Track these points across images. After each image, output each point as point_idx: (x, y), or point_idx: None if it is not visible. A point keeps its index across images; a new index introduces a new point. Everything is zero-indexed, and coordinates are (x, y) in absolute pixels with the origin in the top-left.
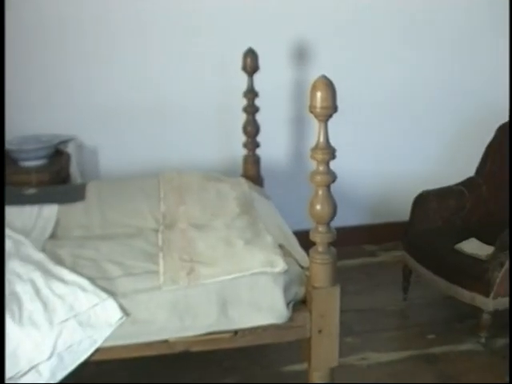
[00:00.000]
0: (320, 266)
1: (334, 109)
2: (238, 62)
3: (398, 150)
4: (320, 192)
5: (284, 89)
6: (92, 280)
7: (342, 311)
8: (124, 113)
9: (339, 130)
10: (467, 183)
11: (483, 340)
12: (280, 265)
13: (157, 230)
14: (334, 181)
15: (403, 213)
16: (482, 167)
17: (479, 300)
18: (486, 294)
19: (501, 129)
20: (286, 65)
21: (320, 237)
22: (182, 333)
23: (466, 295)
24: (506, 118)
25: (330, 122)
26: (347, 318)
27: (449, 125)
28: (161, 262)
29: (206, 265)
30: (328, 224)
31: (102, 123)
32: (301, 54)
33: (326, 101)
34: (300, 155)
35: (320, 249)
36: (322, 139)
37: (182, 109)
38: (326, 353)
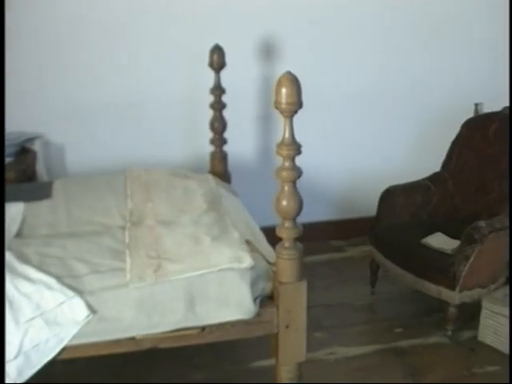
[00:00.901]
0: (286, 262)
1: (299, 105)
2: (205, 58)
3: (366, 145)
4: (286, 188)
5: (251, 85)
6: (59, 278)
7: (311, 306)
8: (91, 110)
9: (307, 126)
10: (433, 178)
11: (450, 333)
12: (247, 261)
13: (124, 228)
14: (299, 176)
15: (370, 208)
16: (448, 162)
17: (445, 293)
18: (452, 288)
19: (465, 124)
20: (252, 61)
21: (286, 232)
22: (150, 330)
23: (432, 289)
24: (471, 114)
25: (298, 118)
26: (315, 313)
27: (415, 120)
28: (128, 259)
29: (173, 261)
30: (294, 219)
31: (69, 120)
32: (268, 51)
33: (291, 97)
34: (267, 151)
35: (286, 244)
36: (287, 135)
37: (149, 106)
38: (293, 348)
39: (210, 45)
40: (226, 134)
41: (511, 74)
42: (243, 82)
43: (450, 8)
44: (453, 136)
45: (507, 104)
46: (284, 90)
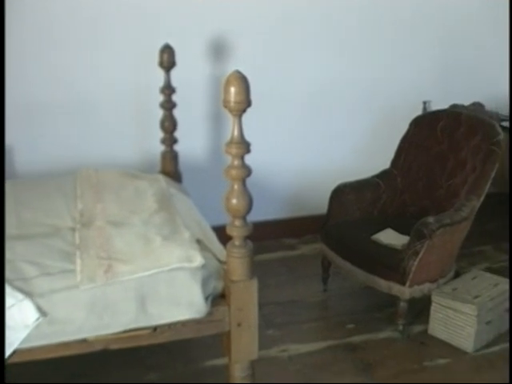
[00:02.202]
0: (237, 260)
1: (248, 103)
2: (155, 57)
3: (316, 143)
4: (235, 186)
5: (201, 84)
6: (8, 281)
7: (263, 304)
8: (40, 111)
9: (258, 125)
10: (383, 175)
11: (401, 327)
12: (197, 260)
13: (74, 229)
14: (249, 175)
15: (322, 206)
16: (397, 160)
17: (396, 289)
18: (402, 283)
19: (414, 122)
20: (203, 60)
21: (236, 230)
22: (101, 331)
23: (383, 284)
24: (419, 112)
25: (249, 117)
26: (268, 310)
27: (365, 119)
28: (78, 260)
29: (123, 262)
30: (244, 218)
31: (17, 122)
32: (218, 50)
33: (240, 95)
34: (218, 150)
35: (237, 242)
36: (236, 133)
37: (99, 105)
38: (245, 346)
39: (160, 44)
40: (177, 134)
41: (511, 76)
42: (194, 81)
43: (398, 9)
44: (402, 133)
45: (454, 102)
46: (232, 89)
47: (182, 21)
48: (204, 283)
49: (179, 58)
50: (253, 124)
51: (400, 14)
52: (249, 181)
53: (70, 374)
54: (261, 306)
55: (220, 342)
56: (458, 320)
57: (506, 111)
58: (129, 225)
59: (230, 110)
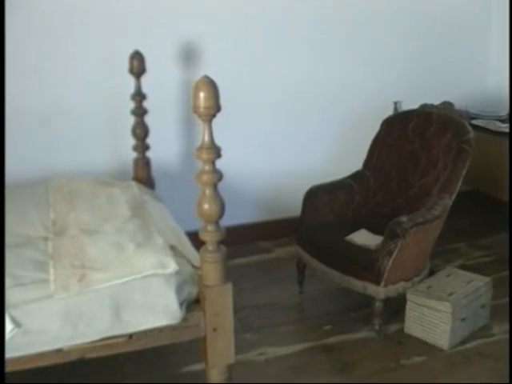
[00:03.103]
0: (211, 265)
1: (218, 108)
2: (125, 64)
3: (289, 146)
4: (207, 191)
5: (172, 90)
6: None
7: (240, 308)
8: (10, 119)
9: (231, 129)
10: (355, 176)
11: (377, 327)
12: (171, 266)
13: (47, 238)
14: (220, 179)
15: (295, 208)
16: (369, 160)
17: (371, 289)
18: (377, 283)
19: (385, 122)
20: (173, 66)
21: (209, 235)
22: (76, 340)
23: (358, 285)
24: (390, 112)
25: (221, 121)
26: (245, 314)
27: (337, 121)
28: (51, 270)
29: (97, 270)
30: (217, 222)
31: None
32: (188, 54)
33: (209, 100)
34: (191, 156)
35: (210, 247)
36: (206, 139)
37: (70, 113)
38: (222, 350)
39: (130, 51)
40: (149, 140)
41: (511, 77)
42: (164, 87)
43: (368, 11)
44: (374, 134)
45: (424, 101)
46: (201, 94)
47: (151, 27)
48: (178, 289)
49: (149, 64)
50: (226, 128)
51: (370, 16)
52: (222, 185)
53: None
54: (237, 309)
55: (197, 347)
56: (434, 318)
57: (475, 109)
58: (102, 233)
59: (200, 116)
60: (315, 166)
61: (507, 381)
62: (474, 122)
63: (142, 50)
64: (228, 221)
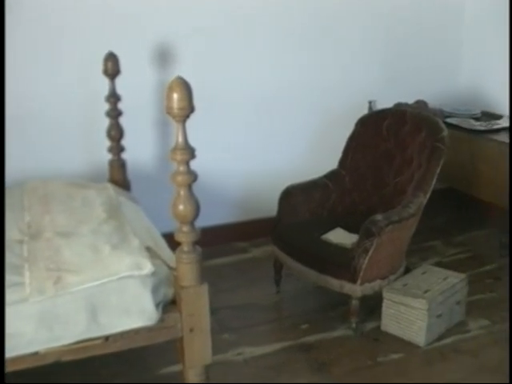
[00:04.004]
0: (186, 266)
1: (191, 109)
2: (99, 66)
3: (264, 146)
4: (182, 192)
5: (147, 91)
6: None
7: (217, 308)
8: None
9: (207, 129)
10: (331, 175)
11: (354, 325)
12: (147, 267)
13: (22, 241)
14: (195, 180)
15: (272, 208)
16: (344, 159)
17: (347, 287)
18: (354, 281)
19: (360, 121)
20: (147, 67)
21: (184, 236)
22: (52, 343)
23: (335, 284)
24: (364, 111)
25: (196, 121)
26: (222, 314)
27: (313, 120)
28: (27, 273)
29: (73, 273)
30: (192, 223)
31: None
32: (163, 55)
33: (183, 101)
34: (166, 157)
35: (185, 248)
36: (180, 140)
37: (44, 115)
38: (199, 351)
39: (104, 52)
40: (124, 142)
41: (511, 78)
42: (139, 88)
43: (343, 11)
44: (349, 134)
45: (399, 100)
46: (175, 95)
47: (126, 28)
48: (154, 290)
49: (124, 65)
50: (201, 129)
51: (345, 17)
52: (198, 186)
53: None
54: (215, 310)
55: (175, 348)
56: (410, 315)
57: (449, 108)
58: (77, 235)
59: (173, 117)
60: (291, 166)
61: (483, 376)
62: (448, 120)
63: (117, 52)
64: (204, 221)
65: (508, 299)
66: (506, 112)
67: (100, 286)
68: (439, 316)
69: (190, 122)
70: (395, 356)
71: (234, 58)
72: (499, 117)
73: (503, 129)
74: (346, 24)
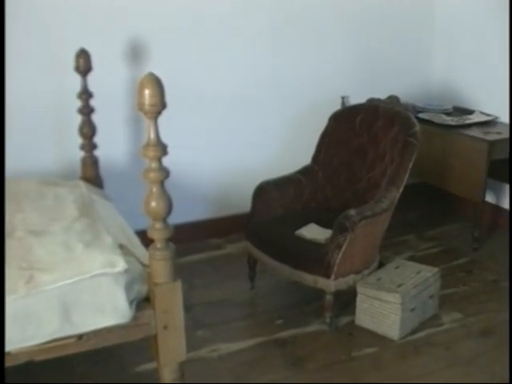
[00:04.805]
0: (159, 263)
1: (163, 105)
2: (71, 62)
3: (239, 142)
4: (154, 189)
5: (119, 88)
6: None
7: (192, 305)
8: None
9: (180, 125)
10: (304, 171)
11: (328, 320)
12: (120, 264)
13: None
14: (167, 177)
15: (246, 204)
16: (318, 155)
17: (321, 282)
18: (327, 276)
19: (332, 117)
20: (120, 63)
21: (157, 233)
22: (25, 343)
23: (308, 279)
24: (337, 107)
25: (170, 118)
26: (197, 311)
27: (286, 116)
28: None
29: (45, 271)
30: (164, 220)
31: None
32: (135, 51)
33: (154, 98)
34: (139, 154)
35: (158, 245)
36: (152, 136)
37: (14, 113)
38: (173, 348)
39: (75, 49)
40: (97, 139)
41: (511, 77)
42: (111, 85)
43: (316, 6)
44: (322, 129)
45: (371, 96)
46: (146, 92)
47: (98, 24)
48: (128, 288)
49: (95, 62)
50: (175, 125)
51: (317, 13)
52: (171, 182)
53: None
54: (189, 307)
55: (150, 346)
56: (383, 309)
57: (421, 103)
58: (49, 233)
59: (145, 113)
60: (264, 162)
61: (456, 368)
62: (421, 115)
63: (89, 48)
64: (179, 218)
65: (508, 298)
66: (478, 107)
67: (73, 284)
68: (413, 310)
69: (162, 119)
70: (369, 350)
71: (206, 55)
72: (471, 112)
73: (475, 124)
74: (319, 20)
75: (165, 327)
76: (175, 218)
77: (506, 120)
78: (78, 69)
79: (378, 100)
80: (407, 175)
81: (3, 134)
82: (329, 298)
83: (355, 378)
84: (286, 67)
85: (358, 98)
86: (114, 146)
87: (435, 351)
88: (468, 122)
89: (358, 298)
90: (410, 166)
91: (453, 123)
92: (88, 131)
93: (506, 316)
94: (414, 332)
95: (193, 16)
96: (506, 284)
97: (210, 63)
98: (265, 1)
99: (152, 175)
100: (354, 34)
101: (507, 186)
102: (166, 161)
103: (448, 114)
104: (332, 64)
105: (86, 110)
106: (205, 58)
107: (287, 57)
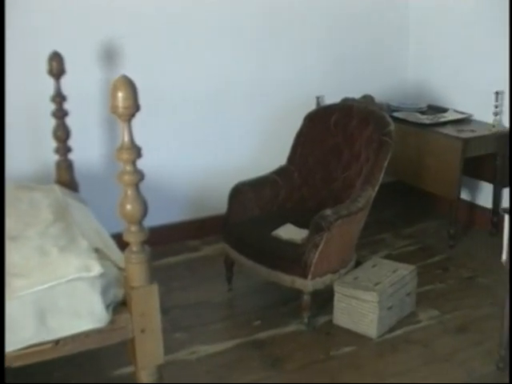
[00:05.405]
0: (135, 266)
1: (137, 108)
2: (44, 65)
3: (214, 144)
4: (129, 192)
5: (93, 90)
6: None
7: (169, 308)
8: None
9: (155, 128)
10: (280, 171)
11: (306, 320)
12: (96, 269)
13: None
14: (142, 179)
15: (223, 206)
16: (293, 155)
17: (298, 282)
18: (305, 276)
19: (307, 117)
20: (93, 66)
21: (133, 236)
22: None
23: (286, 279)
24: (312, 107)
25: (145, 121)
26: (175, 314)
27: (261, 117)
28: None
29: (20, 277)
30: (140, 223)
31: None
32: (109, 55)
33: (128, 100)
34: (114, 157)
35: (134, 248)
36: (126, 139)
37: None
38: (150, 351)
39: (48, 51)
40: (71, 142)
41: (511, 78)
42: (85, 87)
43: (288, 8)
44: (297, 129)
45: (346, 95)
46: (120, 94)
47: (71, 26)
48: (104, 292)
49: (69, 64)
50: (150, 127)
51: (291, 12)
52: (147, 185)
53: None
54: (167, 310)
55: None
56: (361, 308)
57: (396, 102)
58: (24, 238)
59: (119, 116)
60: (240, 163)
61: (433, 365)
62: (395, 114)
63: (62, 51)
64: (155, 221)
65: None
66: (451, 105)
67: (48, 289)
68: (390, 308)
69: (136, 121)
70: (348, 349)
71: (181, 56)
72: (445, 110)
73: (449, 122)
74: (294, 21)
75: (142, 330)
76: (151, 221)
77: (480, 118)
78: (51, 72)
79: (353, 100)
80: (382, 174)
81: (3, 134)
82: (306, 297)
83: (334, 377)
84: (260, 68)
85: (332, 98)
86: (88, 149)
87: (413, 349)
88: (442, 120)
89: (336, 298)
90: (385, 164)
91: (427, 122)
92: (62, 134)
93: (483, 312)
94: (391, 330)
95: (167, 17)
96: (482, 280)
97: (184, 65)
98: (240, 2)
99: (126, 178)
100: (328, 34)
101: (482, 184)
102: (140, 163)
103: (422, 112)
104: (307, 64)
105: (60, 114)
106: (179, 59)
107: (262, 57)
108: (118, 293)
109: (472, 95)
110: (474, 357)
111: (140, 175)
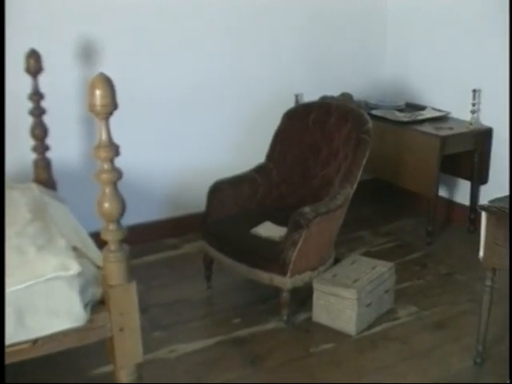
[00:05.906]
0: (114, 264)
1: (115, 106)
2: (21, 63)
3: (193, 142)
4: (107, 190)
5: (71, 88)
6: None
7: (148, 306)
8: None
9: (133, 126)
10: (259, 169)
11: (285, 317)
12: (74, 267)
13: None
14: (119, 178)
15: (202, 204)
16: (272, 153)
17: (277, 280)
18: (283, 274)
19: (286, 115)
20: (71, 64)
21: (111, 235)
22: None
23: (265, 277)
24: (291, 104)
25: (123, 119)
26: (154, 312)
27: (240, 115)
28: None
29: None
30: (118, 221)
31: None
32: (86, 53)
33: (105, 98)
34: (92, 155)
35: (112, 247)
36: (104, 137)
37: None
38: (129, 350)
39: (25, 49)
40: (49, 140)
41: (511, 77)
42: (63, 85)
43: (265, 7)
44: (276, 127)
45: (324, 93)
46: (97, 92)
47: (49, 24)
48: (82, 290)
49: (46, 62)
50: (128, 125)
51: (269, 11)
52: (125, 183)
53: None
54: (146, 308)
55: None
56: (340, 305)
57: (374, 100)
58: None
59: (96, 114)
60: (219, 161)
61: (412, 361)
62: (373, 112)
63: (39, 48)
64: (133, 219)
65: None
66: (429, 103)
67: (26, 288)
68: (369, 305)
69: (114, 119)
70: (327, 346)
71: (158, 55)
72: (423, 108)
73: (427, 119)
74: (272, 19)
75: (121, 329)
76: (129, 219)
77: (457, 115)
78: (28, 70)
79: (331, 97)
80: (361, 172)
81: (3, 134)
82: (285, 295)
83: (314, 374)
84: (239, 66)
85: (311, 96)
86: (66, 147)
87: (391, 345)
88: (420, 117)
89: (315, 295)
90: (364, 162)
91: (405, 119)
92: (40, 133)
93: (460, 308)
94: (370, 327)
95: (144, 16)
96: (460, 277)
97: (162, 63)
98: (216, 0)
99: (104, 176)
100: (307, 32)
101: (460, 181)
102: (118, 161)
103: (400, 110)
104: (285, 62)
105: (38, 112)
106: (156, 57)
107: (240, 55)
108: (96, 291)
109: (450, 93)
110: (451, 352)
111: (118, 173)
